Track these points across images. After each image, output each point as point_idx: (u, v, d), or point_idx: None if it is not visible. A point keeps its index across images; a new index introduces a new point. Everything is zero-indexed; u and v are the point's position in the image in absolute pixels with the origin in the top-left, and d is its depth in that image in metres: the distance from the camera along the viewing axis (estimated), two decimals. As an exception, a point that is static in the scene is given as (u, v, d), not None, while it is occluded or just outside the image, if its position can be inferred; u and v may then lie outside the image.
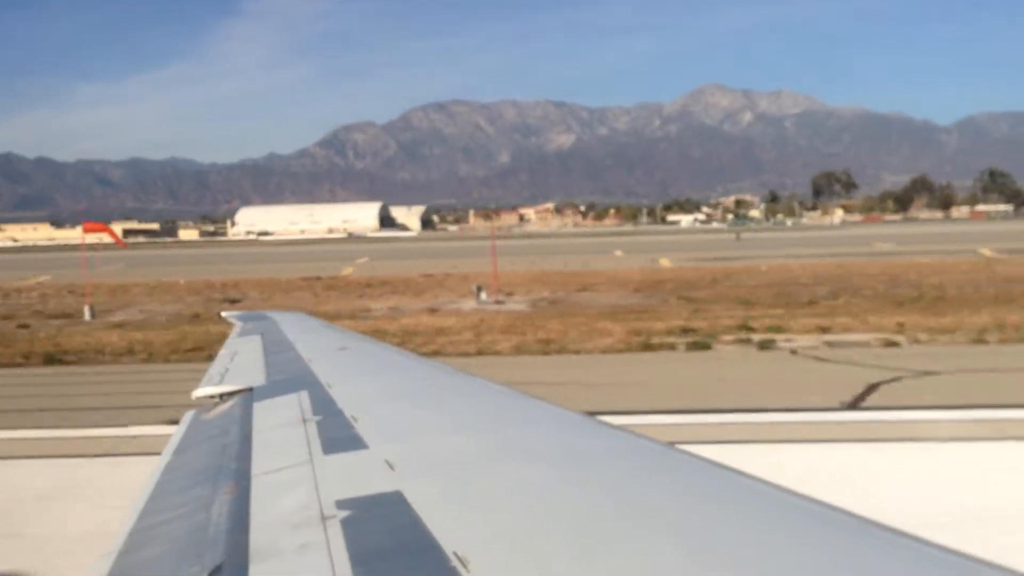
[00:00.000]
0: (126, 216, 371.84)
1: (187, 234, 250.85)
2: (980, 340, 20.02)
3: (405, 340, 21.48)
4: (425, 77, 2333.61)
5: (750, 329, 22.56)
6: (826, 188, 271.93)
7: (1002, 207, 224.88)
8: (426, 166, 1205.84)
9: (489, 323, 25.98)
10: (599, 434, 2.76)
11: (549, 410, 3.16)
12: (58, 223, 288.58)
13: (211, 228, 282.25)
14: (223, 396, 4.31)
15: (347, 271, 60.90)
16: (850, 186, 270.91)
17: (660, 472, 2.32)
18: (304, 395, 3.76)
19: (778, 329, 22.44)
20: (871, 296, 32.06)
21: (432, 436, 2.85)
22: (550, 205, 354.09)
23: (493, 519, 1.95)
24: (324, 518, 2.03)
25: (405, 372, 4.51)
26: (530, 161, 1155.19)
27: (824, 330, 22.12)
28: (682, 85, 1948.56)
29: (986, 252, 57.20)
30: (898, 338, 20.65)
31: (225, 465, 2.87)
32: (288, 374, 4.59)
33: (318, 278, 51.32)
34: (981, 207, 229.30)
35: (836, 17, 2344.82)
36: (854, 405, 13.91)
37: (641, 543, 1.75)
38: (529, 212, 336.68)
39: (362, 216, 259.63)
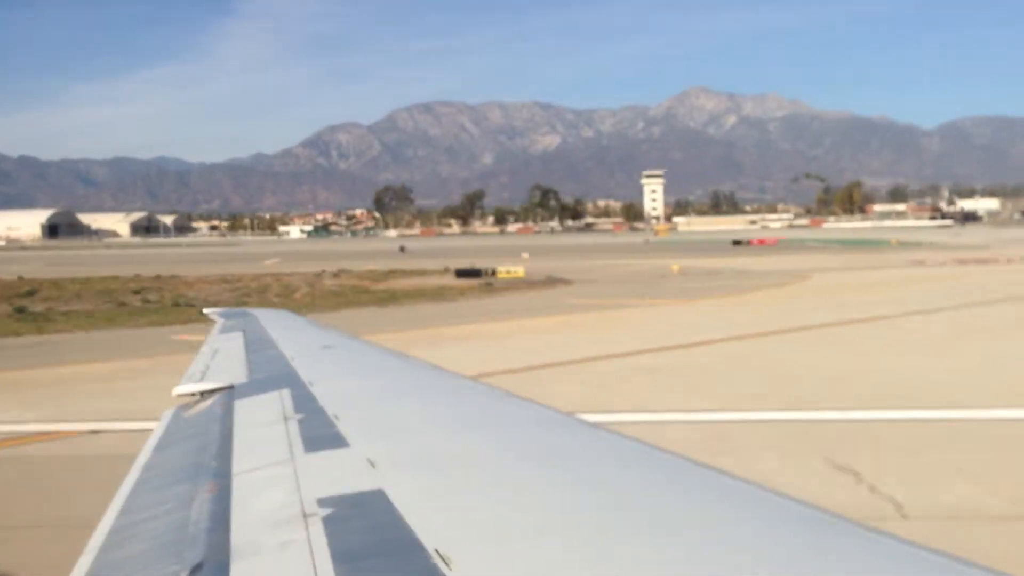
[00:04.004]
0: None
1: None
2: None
3: None
4: (412, 78, 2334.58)
5: None
6: (386, 202, 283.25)
7: (551, 224, 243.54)
8: (409, 167, 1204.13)
9: None
10: (582, 433, 2.78)
11: (532, 409, 3.18)
12: None
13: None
14: (203, 393, 4.26)
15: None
16: (407, 200, 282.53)
17: (642, 471, 2.33)
18: (286, 393, 3.74)
19: None
20: None
21: (414, 434, 2.85)
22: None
23: (476, 518, 1.95)
24: (305, 516, 2.03)
25: (388, 370, 4.48)
26: (513, 163, 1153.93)
27: None
28: (669, 88, 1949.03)
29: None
30: None
31: (206, 463, 2.86)
32: (270, 372, 4.52)
33: None
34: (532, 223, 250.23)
35: (826, 21, 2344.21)
36: None
37: (624, 541, 1.75)
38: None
39: (27, 224, 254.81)
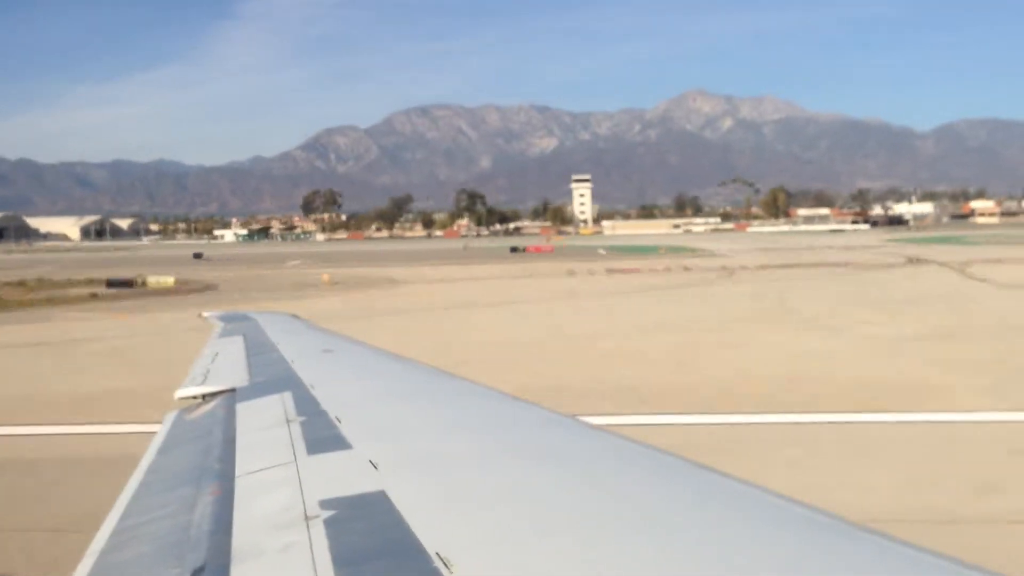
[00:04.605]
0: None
1: None
2: None
3: None
4: (410, 81, 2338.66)
5: None
6: (314, 205, 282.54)
7: (479, 228, 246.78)
8: (407, 170, 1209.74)
9: None
10: (581, 435, 2.82)
11: (531, 411, 3.21)
12: None
13: None
14: (205, 396, 4.24)
15: None
16: (334, 204, 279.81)
17: (640, 472, 2.35)
18: (288, 396, 3.72)
19: None
20: None
21: (416, 436, 2.86)
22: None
23: (476, 519, 1.96)
24: (308, 518, 2.03)
25: (389, 373, 4.52)
26: (510, 166, 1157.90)
27: None
28: (667, 90, 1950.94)
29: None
30: None
31: (208, 465, 2.85)
32: (271, 375, 4.51)
33: None
34: (460, 226, 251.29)
35: (822, 24, 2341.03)
36: None
37: (624, 542, 1.76)
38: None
39: None
